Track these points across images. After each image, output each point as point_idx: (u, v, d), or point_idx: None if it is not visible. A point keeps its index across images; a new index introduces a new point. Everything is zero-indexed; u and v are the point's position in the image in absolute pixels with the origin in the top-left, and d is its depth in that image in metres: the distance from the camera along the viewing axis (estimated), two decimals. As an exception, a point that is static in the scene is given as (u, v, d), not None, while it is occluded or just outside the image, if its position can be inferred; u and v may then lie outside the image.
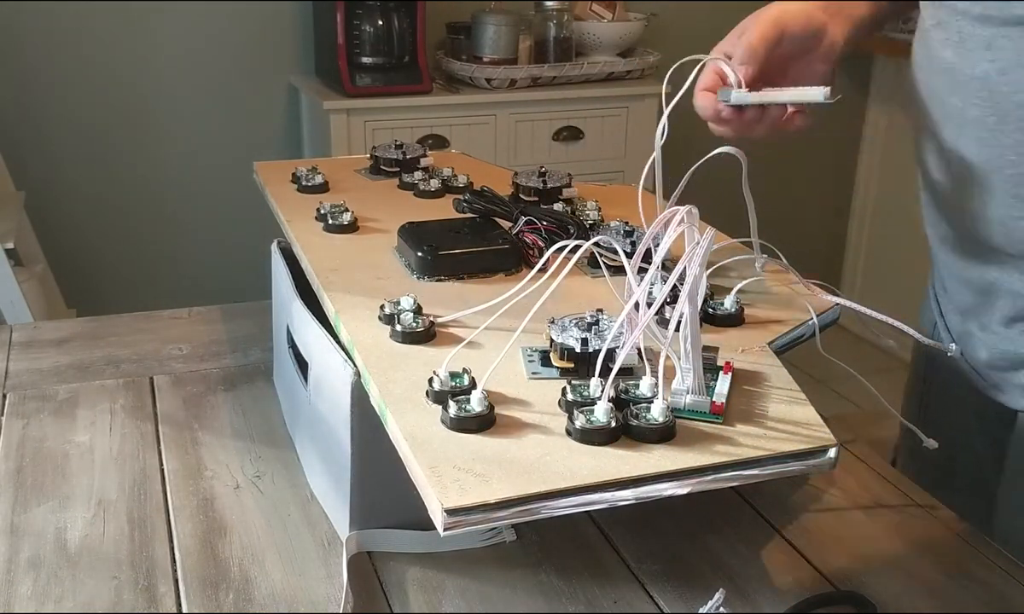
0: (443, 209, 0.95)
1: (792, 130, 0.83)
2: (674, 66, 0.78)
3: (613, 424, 0.59)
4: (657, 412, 0.60)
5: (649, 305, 0.64)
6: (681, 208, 0.63)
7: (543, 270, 0.71)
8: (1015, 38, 0.73)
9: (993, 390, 0.86)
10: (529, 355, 0.69)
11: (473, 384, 0.63)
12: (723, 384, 0.64)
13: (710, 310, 0.75)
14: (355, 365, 0.69)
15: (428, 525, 0.57)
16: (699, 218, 0.64)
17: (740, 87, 0.80)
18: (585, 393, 0.62)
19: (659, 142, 0.77)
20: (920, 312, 0.99)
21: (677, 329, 0.62)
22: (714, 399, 0.62)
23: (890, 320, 0.81)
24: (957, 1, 0.77)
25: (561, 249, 0.68)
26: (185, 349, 1.05)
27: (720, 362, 0.68)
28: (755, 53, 0.81)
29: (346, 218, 0.91)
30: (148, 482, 0.81)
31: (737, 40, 0.83)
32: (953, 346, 0.85)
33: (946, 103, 0.80)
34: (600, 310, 0.70)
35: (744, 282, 0.79)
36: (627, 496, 0.56)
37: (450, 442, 0.59)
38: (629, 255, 0.66)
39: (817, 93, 0.78)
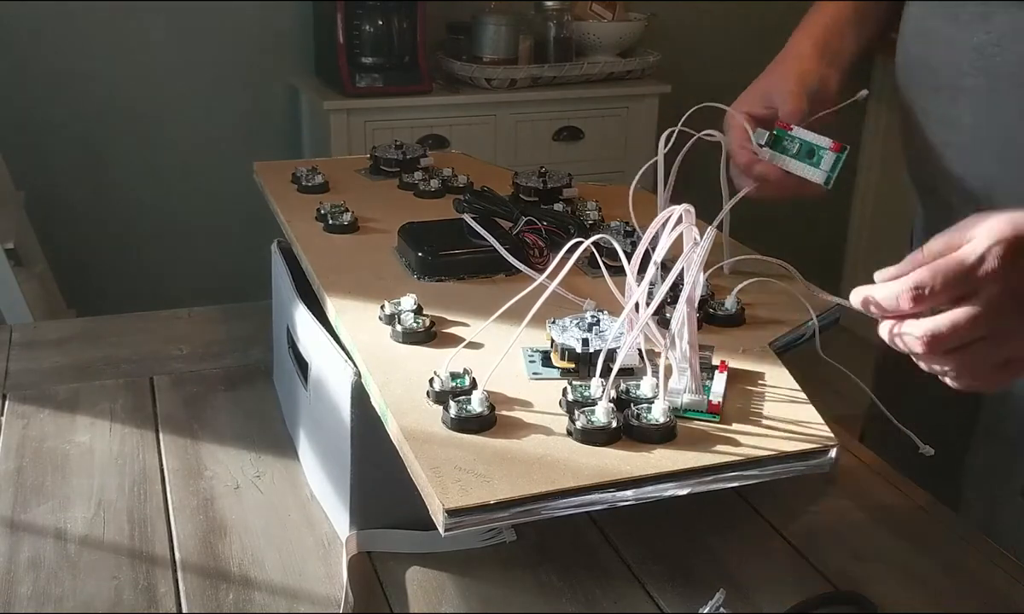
0: (443, 209, 0.95)
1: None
2: (691, 110, 0.82)
3: (614, 424, 0.59)
4: (658, 412, 0.60)
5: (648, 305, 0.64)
6: (678, 207, 0.63)
7: (543, 270, 0.71)
8: (1012, 11, 0.79)
9: None
10: (530, 355, 0.69)
11: (474, 384, 0.63)
12: (719, 383, 0.65)
13: (711, 310, 0.75)
14: (355, 365, 0.69)
15: (428, 525, 0.57)
16: (700, 219, 0.64)
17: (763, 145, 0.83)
18: (586, 393, 0.62)
19: (662, 148, 0.77)
20: None
21: (677, 329, 0.62)
22: (711, 398, 0.63)
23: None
24: None
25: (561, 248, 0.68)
26: (185, 349, 1.05)
27: (715, 361, 0.68)
28: (801, 112, 0.85)
29: (346, 218, 0.91)
30: (148, 482, 0.81)
31: (759, 97, 0.87)
32: None
33: (939, 73, 0.86)
34: (601, 310, 0.70)
35: (745, 282, 0.79)
36: (628, 496, 0.56)
37: (451, 442, 0.59)
38: (629, 255, 0.66)
39: (820, 175, 0.86)
